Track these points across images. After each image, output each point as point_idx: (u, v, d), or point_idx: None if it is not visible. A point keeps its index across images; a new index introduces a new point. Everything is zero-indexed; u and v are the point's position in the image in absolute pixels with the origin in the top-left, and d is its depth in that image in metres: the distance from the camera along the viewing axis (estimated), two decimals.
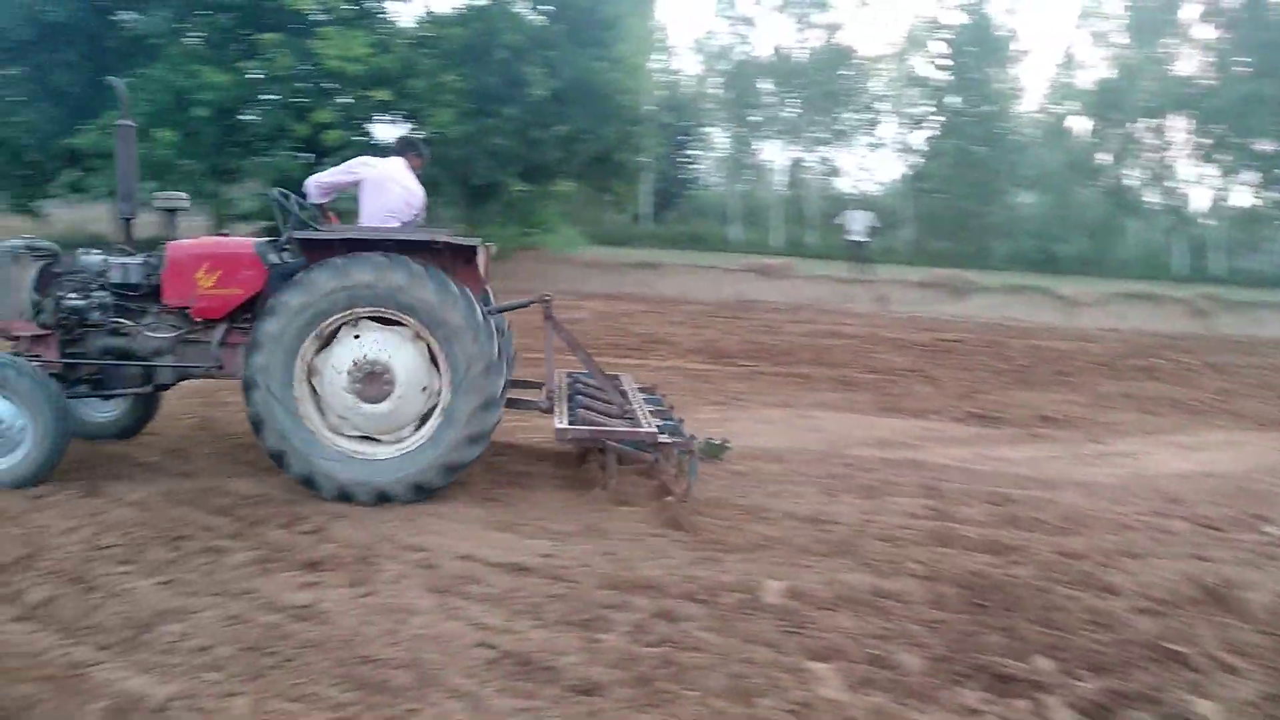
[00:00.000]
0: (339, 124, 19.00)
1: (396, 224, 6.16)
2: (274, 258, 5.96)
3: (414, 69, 19.09)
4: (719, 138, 41.28)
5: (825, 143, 38.01)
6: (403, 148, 6.58)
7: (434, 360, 5.56)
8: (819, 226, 35.01)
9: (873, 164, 61.69)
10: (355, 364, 5.45)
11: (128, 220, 6.39)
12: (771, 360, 12.75)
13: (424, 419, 5.61)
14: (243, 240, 6.23)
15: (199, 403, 7.96)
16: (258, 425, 5.46)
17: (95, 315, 5.97)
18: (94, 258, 6.15)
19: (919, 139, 37.53)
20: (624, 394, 6.75)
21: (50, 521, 4.87)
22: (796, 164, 39.96)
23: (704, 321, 17.09)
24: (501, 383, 5.70)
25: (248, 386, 5.45)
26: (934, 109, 36.46)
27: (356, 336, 5.49)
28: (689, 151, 41.60)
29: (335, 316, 5.43)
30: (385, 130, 21.80)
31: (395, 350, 5.49)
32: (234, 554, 4.60)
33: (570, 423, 5.89)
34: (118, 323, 6.02)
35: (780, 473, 6.67)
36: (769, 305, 20.61)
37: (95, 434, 6.69)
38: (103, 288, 6.02)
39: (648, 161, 23.46)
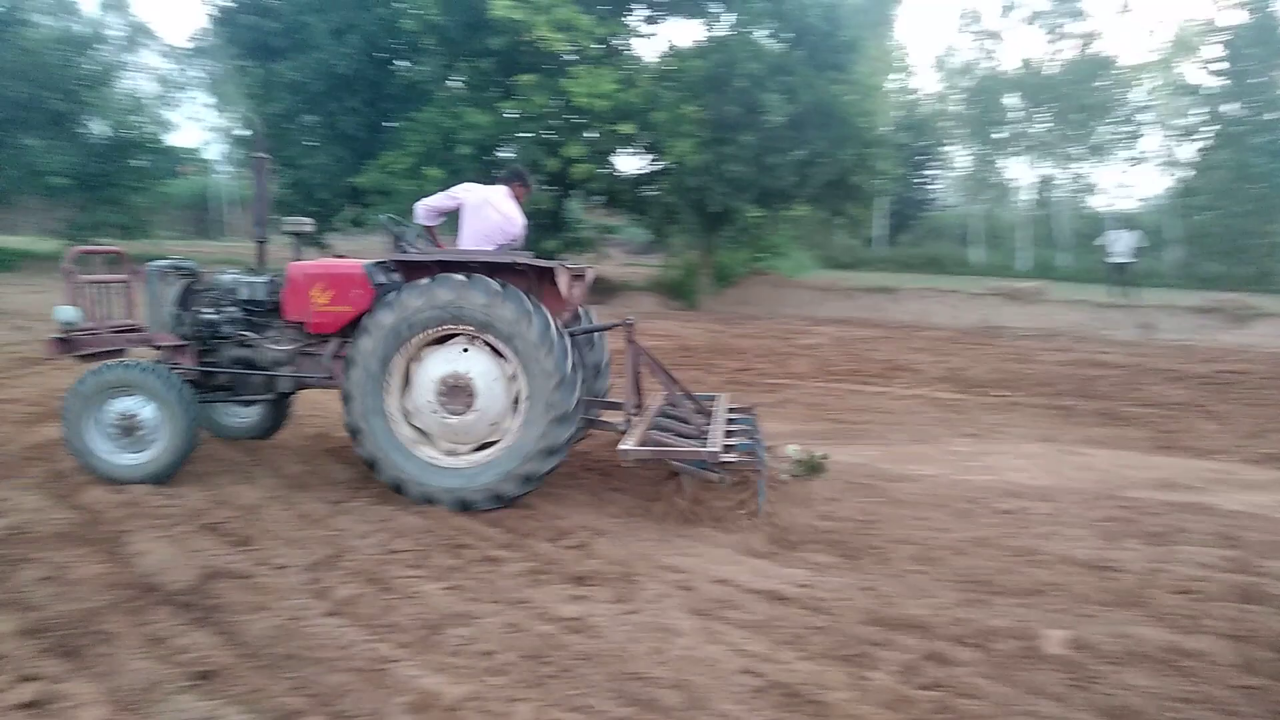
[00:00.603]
0: (586, 158, 19.94)
1: (491, 247, 6.42)
2: (381, 278, 6.25)
3: (656, 102, 19.72)
4: (959, 156, 39.63)
5: (1078, 159, 35.48)
6: (509, 177, 6.87)
7: (514, 376, 5.78)
8: (1071, 247, 32.68)
9: (1132, 180, 56.97)
10: (440, 378, 5.79)
11: (261, 243, 6.96)
12: (1027, 390, 11.98)
13: (505, 431, 5.85)
14: (354, 262, 6.51)
15: None
16: (354, 434, 5.87)
17: (226, 329, 6.55)
18: (227, 277, 6.73)
19: (1188, 151, 34.19)
20: (708, 415, 6.58)
21: (349, 526, 5.37)
22: (1045, 182, 37.59)
23: (947, 348, 16.36)
24: (574, 398, 5.77)
25: (346, 398, 5.88)
26: (1206, 118, 33.10)
27: (441, 353, 5.82)
28: (926, 172, 40.22)
29: (421, 334, 5.77)
30: (627, 162, 22.66)
31: (477, 366, 5.79)
32: (509, 564, 4.88)
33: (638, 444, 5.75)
34: (244, 336, 6.56)
35: (1051, 513, 6.23)
36: (1018, 331, 19.43)
37: (234, 436, 7.41)
38: (233, 304, 6.58)
39: (885, 184, 22.85)
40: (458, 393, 5.79)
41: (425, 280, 5.81)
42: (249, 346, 6.59)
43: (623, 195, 22.74)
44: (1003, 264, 32.59)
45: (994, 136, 35.80)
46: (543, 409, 5.69)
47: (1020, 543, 5.56)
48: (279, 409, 7.47)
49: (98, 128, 26.06)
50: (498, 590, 4.53)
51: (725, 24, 21.40)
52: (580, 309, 7.03)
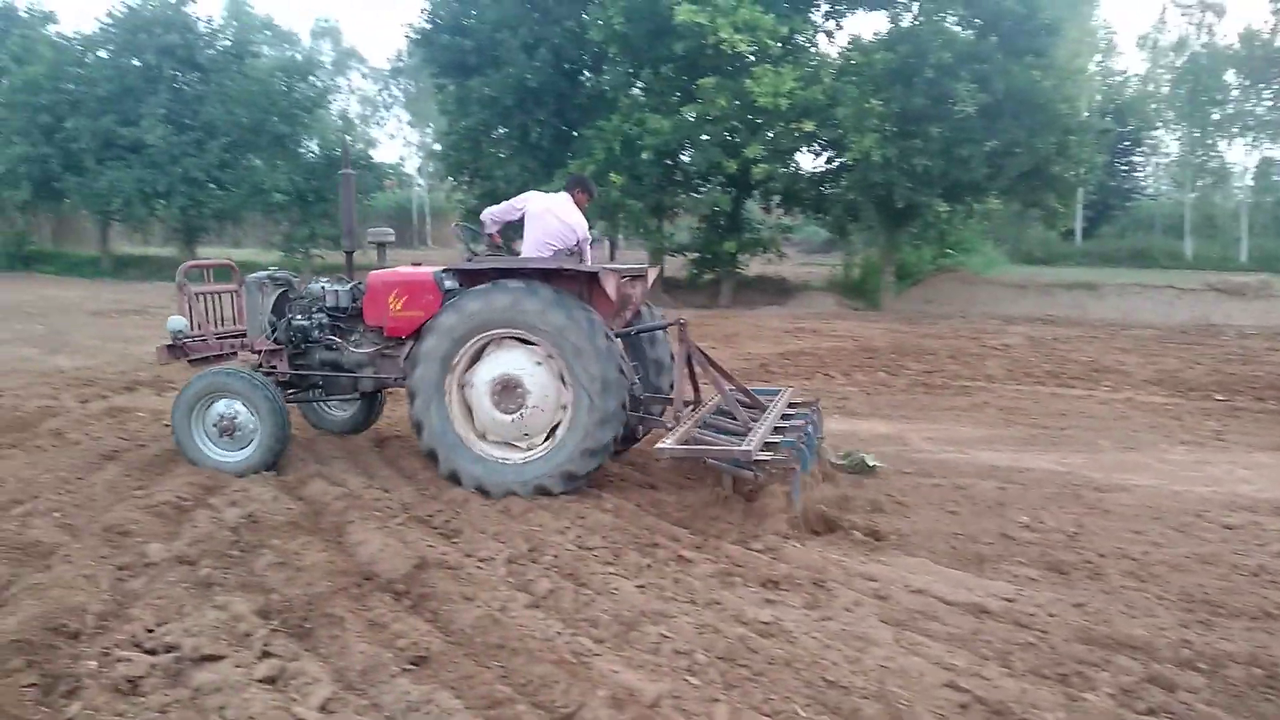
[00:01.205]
0: (766, 158, 19.82)
1: (550, 253, 6.63)
2: (449, 284, 6.61)
3: (839, 98, 19.34)
4: (1170, 141, 36.60)
5: None
6: (571, 185, 7.11)
7: (562, 378, 6.06)
8: None
9: None
10: (495, 378, 6.13)
11: (349, 253, 7.44)
12: (1253, 394, 10.92)
13: (553, 430, 6.16)
14: (425, 270, 6.88)
15: None
16: (418, 428, 6.28)
17: (315, 333, 7.08)
18: (316, 285, 7.26)
19: None
20: (761, 410, 6.61)
21: (545, 521, 5.57)
22: (1268, 165, 34.12)
23: (1158, 348, 15.16)
24: (616, 402, 5.98)
25: (411, 395, 6.27)
26: None
27: (496, 355, 6.18)
28: (1132, 159, 37.36)
29: (479, 336, 6.12)
30: (808, 160, 22.34)
31: (529, 367, 6.10)
32: (700, 565, 4.92)
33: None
34: (330, 340, 7.09)
35: None
36: (1240, 329, 17.76)
37: (335, 429, 8.06)
38: (321, 311, 7.10)
39: (1087, 173, 21.39)
40: (509, 392, 6.14)
41: (486, 285, 6.15)
42: (334, 350, 7.12)
43: (802, 194, 22.44)
44: (1220, 256, 29.82)
45: (1211, 118, 32.79)
46: (587, 411, 5.96)
47: (1251, 561, 5.10)
48: (371, 406, 8.06)
49: (312, 147, 28.29)
50: (690, 590, 4.57)
51: (912, 14, 20.72)
52: (645, 306, 7.36)
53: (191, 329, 7.23)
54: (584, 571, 4.80)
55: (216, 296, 7.53)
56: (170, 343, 7.15)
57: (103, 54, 28.80)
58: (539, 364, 6.14)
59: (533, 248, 6.76)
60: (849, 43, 21.11)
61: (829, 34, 22.04)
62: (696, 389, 6.84)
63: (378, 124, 53.47)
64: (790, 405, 7.07)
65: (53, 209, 32.74)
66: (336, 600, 4.32)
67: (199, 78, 28.41)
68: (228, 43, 29.25)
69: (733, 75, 19.94)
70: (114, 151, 27.45)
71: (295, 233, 27.28)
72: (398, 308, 6.73)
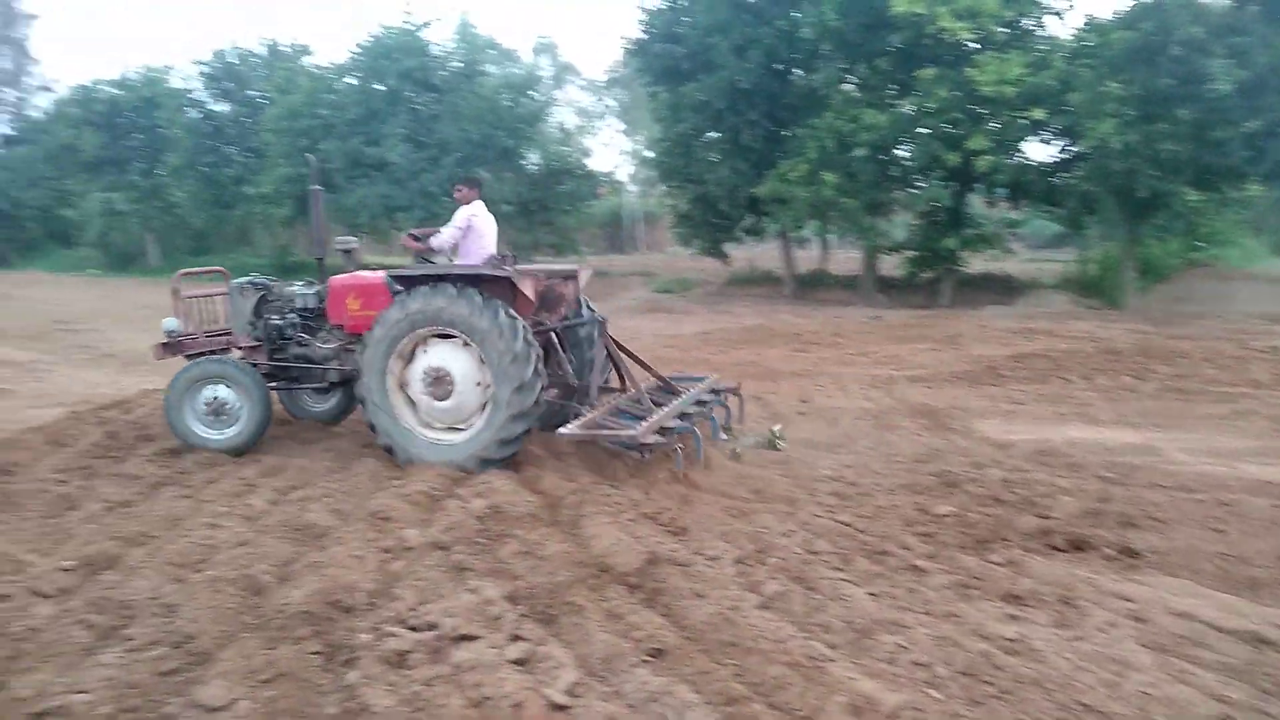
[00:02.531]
0: (990, 149, 18.87)
1: (485, 258, 7.48)
2: (398, 287, 7.35)
3: (1072, 82, 18.11)
4: None
5: None
6: (475, 184, 7.92)
7: (482, 361, 6.80)
8: None
9: None
10: (425, 371, 6.93)
11: (320, 260, 8.49)
12: None
13: (477, 416, 6.92)
14: (377, 274, 7.79)
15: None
16: (362, 401, 7.09)
17: (288, 332, 8.13)
18: (290, 289, 8.27)
19: None
20: (675, 396, 7.57)
21: (771, 524, 5.59)
22: None
23: None
24: (529, 370, 6.66)
25: (358, 373, 7.10)
26: None
27: (428, 349, 6.97)
28: None
29: (417, 331, 6.89)
30: (1037, 150, 21.10)
31: (458, 361, 6.89)
32: (934, 575, 4.77)
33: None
34: (301, 337, 8.14)
35: None
36: None
37: (316, 418, 8.86)
38: (293, 312, 8.15)
39: None
40: (440, 382, 6.92)
41: (426, 288, 6.92)
42: (305, 346, 8.16)
43: (1031, 186, 21.10)
44: None
45: None
46: (504, 406, 6.70)
47: None
48: (348, 398, 8.79)
49: (534, 158, 29.73)
50: (925, 601, 4.45)
51: None
52: (582, 300, 8.07)
53: (185, 329, 8.23)
54: (812, 576, 4.78)
55: (209, 299, 8.56)
56: (165, 341, 8.17)
57: (351, 80, 31.56)
58: (460, 353, 6.92)
59: (476, 257, 7.61)
60: (1084, 24, 19.71)
61: (1059, 14, 20.65)
62: (623, 379, 7.72)
63: (592, 133, 55.40)
64: (712, 391, 8.06)
65: (309, 224, 36.26)
66: (576, 590, 4.52)
67: (434, 98, 30.51)
68: (459, 64, 31.25)
69: (953, 65, 19.12)
70: (361, 170, 30.00)
71: (518, 240, 28.72)
72: (356, 308, 7.72)
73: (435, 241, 7.76)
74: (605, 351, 7.59)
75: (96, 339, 17.08)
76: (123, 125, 38.73)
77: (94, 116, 38.07)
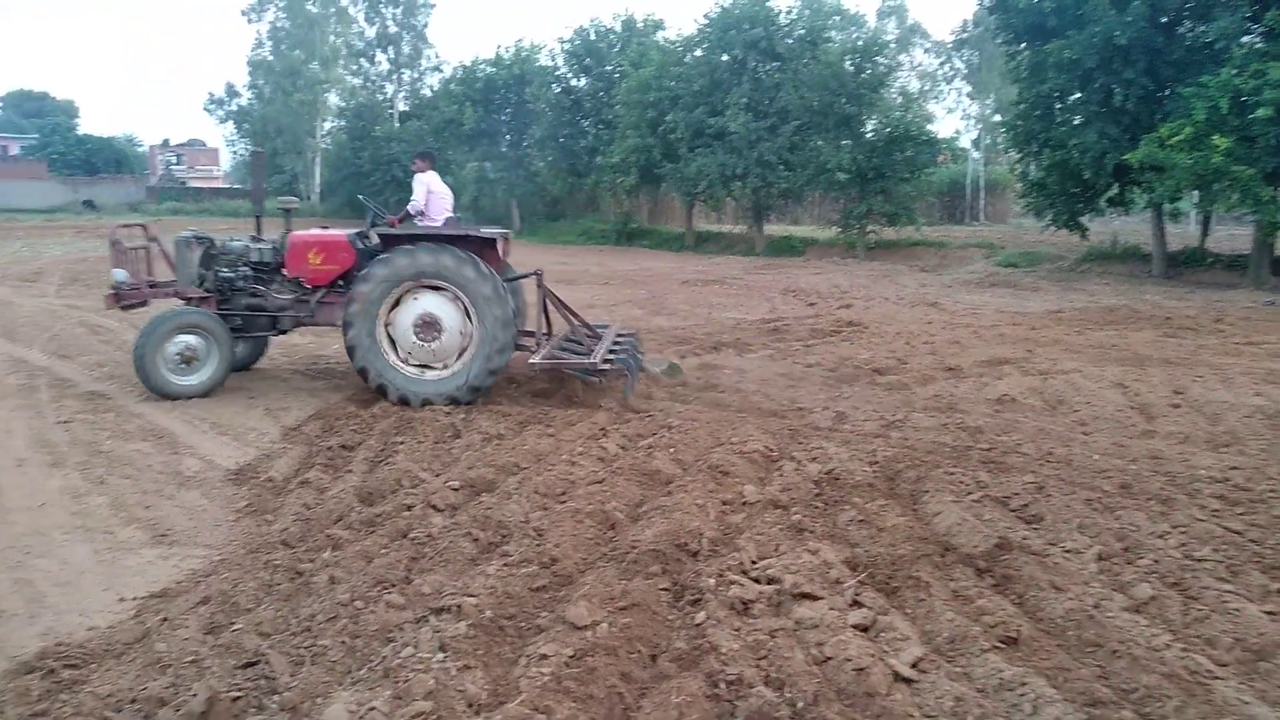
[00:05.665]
0: None
1: (444, 219, 9.28)
2: (360, 244, 8.84)
3: None
4: None
5: None
6: (430, 159, 9.69)
7: (467, 314, 8.18)
8: None
9: None
10: (419, 316, 8.16)
11: (258, 218, 9.52)
12: None
13: (460, 354, 8.24)
14: (340, 233, 8.98)
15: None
16: (352, 351, 8.17)
17: (239, 284, 8.84)
18: (237, 243, 9.00)
19: None
20: (598, 338, 8.92)
21: (1142, 523, 5.04)
22: None
23: None
24: (510, 335, 8.19)
25: (347, 326, 8.15)
26: None
27: (416, 298, 8.20)
28: None
29: (407, 283, 8.14)
30: None
31: (444, 309, 8.19)
32: None
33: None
34: (254, 288, 8.88)
35: None
36: None
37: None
38: (245, 264, 8.91)
39: None
40: (430, 327, 8.15)
41: (409, 246, 8.18)
42: (258, 296, 8.89)
43: None
44: None
45: None
46: (490, 341, 8.10)
47: None
48: (260, 346, 9.90)
49: (873, 125, 28.86)
50: None
51: None
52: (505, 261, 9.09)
53: (131, 281, 8.81)
54: (1193, 584, 4.26)
55: (143, 250, 9.16)
56: (111, 292, 8.79)
57: (698, 53, 32.49)
58: (449, 304, 8.18)
59: (438, 215, 9.30)
60: None
61: None
62: (550, 324, 9.00)
63: (935, 99, 52.68)
64: (618, 337, 9.29)
65: (650, 192, 38.05)
66: (920, 565, 4.39)
67: (777, 67, 30.57)
68: (802, 31, 31.03)
69: None
70: (702, 140, 30.89)
71: (853, 209, 28.13)
72: (317, 262, 8.72)
73: (411, 208, 9.21)
74: (543, 300, 8.87)
75: None
76: (496, 101, 42.95)
77: (473, 93, 42.54)
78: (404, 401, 8.12)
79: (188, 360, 8.39)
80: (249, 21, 55.51)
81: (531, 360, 8.22)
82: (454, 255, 8.09)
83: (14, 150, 66.34)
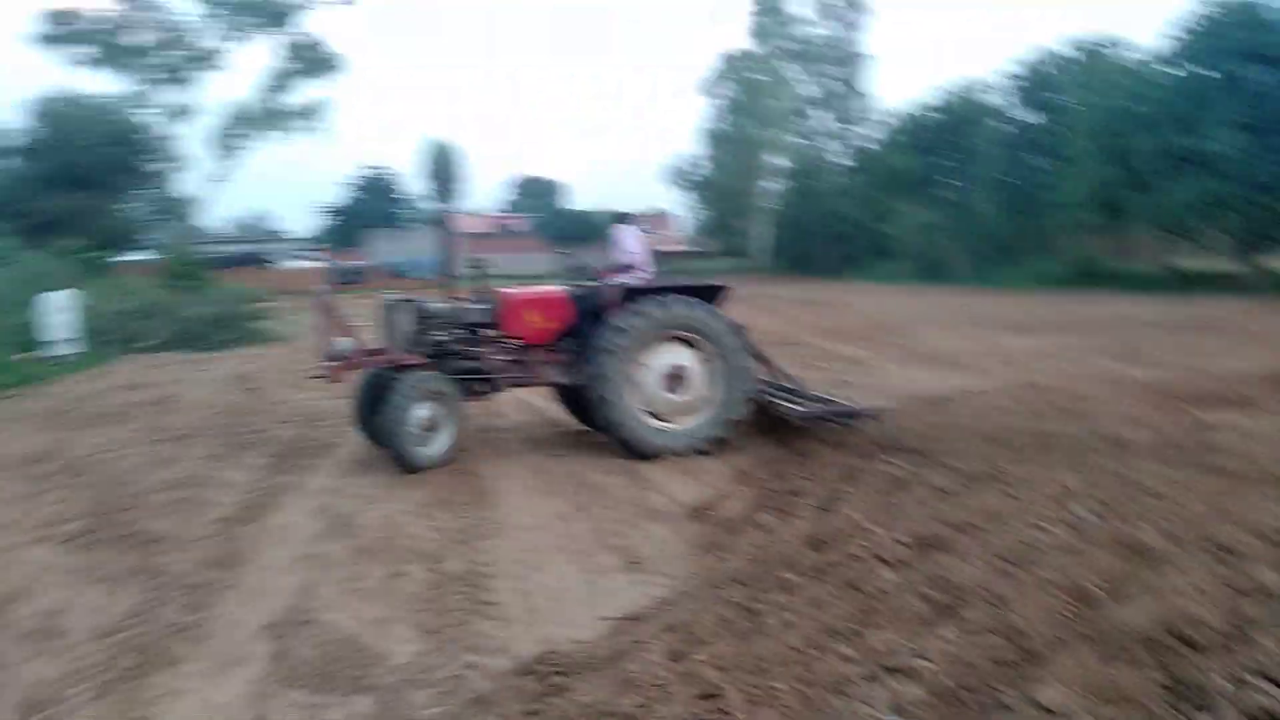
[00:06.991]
0: None
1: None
2: (582, 299, 8.72)
3: None
4: None
5: None
6: (627, 220, 9.59)
7: (707, 364, 8.52)
8: None
9: None
10: (668, 367, 8.38)
11: (452, 279, 9.93)
12: None
13: (703, 404, 8.51)
14: (556, 289, 8.94)
15: None
16: (602, 403, 8.14)
17: (454, 346, 8.51)
18: (444, 306, 8.76)
19: None
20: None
21: None
22: None
23: None
24: (750, 360, 8.74)
25: (600, 380, 8.13)
26: None
27: (657, 351, 8.43)
28: None
29: (660, 332, 8.33)
30: None
31: (688, 360, 8.47)
32: None
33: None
34: (469, 350, 8.51)
35: None
36: None
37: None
38: (459, 326, 8.59)
39: None
40: (678, 378, 8.27)
41: (659, 298, 8.29)
42: (473, 359, 8.49)
43: None
44: None
45: None
46: (736, 392, 8.46)
47: None
48: None
49: None
50: None
51: None
52: None
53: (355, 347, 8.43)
54: None
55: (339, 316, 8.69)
56: (339, 363, 8.24)
57: (1168, 70, 28.80)
58: (692, 356, 8.35)
59: (647, 268, 9.21)
60: None
61: None
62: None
63: None
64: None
65: (1114, 228, 34.32)
66: None
67: (1275, 76, 26.14)
68: None
69: None
70: (1170, 162, 27.24)
71: None
72: (538, 321, 8.56)
73: (626, 259, 9.09)
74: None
75: (912, 340, 18.75)
76: (935, 142, 41.98)
77: (917, 141, 42.01)
78: (645, 456, 8.24)
79: (429, 429, 7.94)
80: (705, 96, 59.80)
81: (794, 415, 8.56)
82: (705, 307, 8.40)
83: (518, 225, 78.46)
